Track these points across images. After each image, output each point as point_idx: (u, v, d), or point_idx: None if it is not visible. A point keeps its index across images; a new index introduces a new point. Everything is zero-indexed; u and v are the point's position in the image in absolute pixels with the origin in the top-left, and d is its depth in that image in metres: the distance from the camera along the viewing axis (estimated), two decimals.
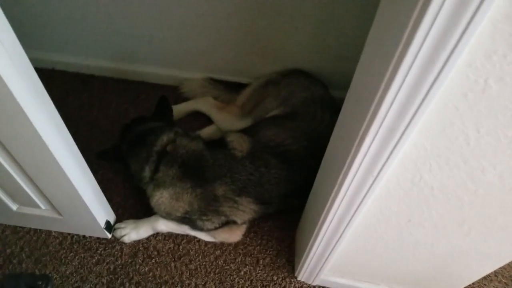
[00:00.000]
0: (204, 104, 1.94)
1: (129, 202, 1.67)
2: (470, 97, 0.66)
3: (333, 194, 0.97)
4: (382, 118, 0.71)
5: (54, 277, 1.46)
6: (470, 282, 1.24)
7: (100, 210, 1.45)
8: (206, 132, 1.85)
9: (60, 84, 2.04)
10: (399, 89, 0.65)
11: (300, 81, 1.79)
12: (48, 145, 1.05)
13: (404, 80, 0.63)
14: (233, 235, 1.53)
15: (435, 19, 0.54)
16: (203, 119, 1.93)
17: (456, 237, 1.00)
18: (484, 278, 1.54)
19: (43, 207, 1.42)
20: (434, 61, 0.60)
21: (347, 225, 1.03)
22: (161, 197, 1.43)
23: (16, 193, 1.36)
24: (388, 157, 0.79)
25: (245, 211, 1.44)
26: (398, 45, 0.61)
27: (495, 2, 0.52)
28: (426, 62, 0.60)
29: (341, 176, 0.90)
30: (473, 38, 0.57)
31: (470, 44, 0.58)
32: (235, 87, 1.95)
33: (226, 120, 1.84)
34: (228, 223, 1.47)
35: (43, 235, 1.56)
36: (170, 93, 1.96)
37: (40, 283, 1.22)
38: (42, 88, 1.00)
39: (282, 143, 1.50)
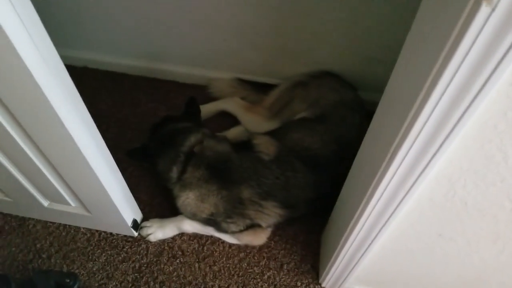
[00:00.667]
0: (232, 104, 1.95)
1: (156, 200, 1.70)
2: (509, 116, 0.64)
3: (362, 205, 0.96)
4: (419, 131, 0.69)
5: (81, 273, 1.50)
6: None
7: (127, 209, 1.48)
8: (233, 132, 1.86)
9: (92, 82, 2.09)
10: (438, 101, 0.63)
11: (330, 83, 1.77)
12: (79, 145, 1.07)
13: (444, 92, 0.61)
14: (257, 238, 1.54)
15: (478, 35, 0.53)
16: (231, 119, 1.94)
17: (489, 254, 0.98)
18: None
19: (73, 204, 1.46)
20: (476, 77, 0.58)
21: (375, 237, 1.01)
22: (187, 198, 1.45)
23: (47, 191, 1.39)
24: (422, 172, 0.77)
25: (270, 215, 1.44)
26: (440, 54, 0.58)
27: None
28: (468, 78, 0.58)
29: (371, 188, 0.89)
30: None
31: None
32: (263, 88, 1.95)
33: (253, 121, 1.84)
34: (253, 226, 1.48)
35: (72, 231, 1.60)
36: (199, 93, 1.98)
37: (68, 280, 1.27)
38: (74, 89, 1.02)
39: (310, 147, 1.50)
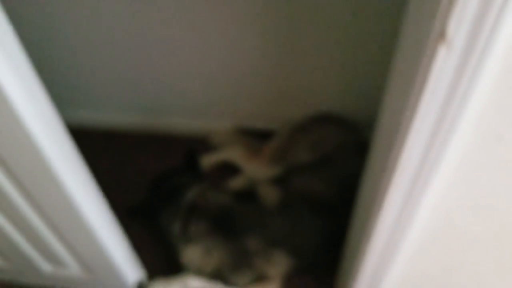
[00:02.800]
0: (233, 154, 1.98)
1: (159, 257, 1.69)
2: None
3: (364, 249, 0.96)
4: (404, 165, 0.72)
5: None
6: None
7: (131, 271, 1.48)
8: (236, 182, 1.88)
9: (90, 142, 2.13)
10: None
11: (331, 127, 1.81)
12: (82, 209, 1.11)
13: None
14: None
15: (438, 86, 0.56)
16: (233, 169, 1.97)
17: None
18: None
19: (74, 267, 1.46)
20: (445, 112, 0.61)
21: (383, 276, 1.00)
22: (192, 253, 1.45)
23: (48, 254, 1.40)
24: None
25: (278, 264, 1.43)
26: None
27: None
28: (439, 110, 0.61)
29: (371, 225, 0.90)
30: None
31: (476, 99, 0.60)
32: (264, 136, 1.99)
33: (255, 169, 1.87)
34: (261, 278, 1.46)
35: None
36: (198, 144, 2.02)
37: None
38: (75, 150, 1.07)
39: (314, 192, 1.51)
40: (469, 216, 0.80)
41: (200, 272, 1.48)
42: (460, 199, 0.77)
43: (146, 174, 2.00)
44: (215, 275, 1.47)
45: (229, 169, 1.98)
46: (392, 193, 0.78)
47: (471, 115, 0.62)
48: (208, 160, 1.98)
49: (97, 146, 2.15)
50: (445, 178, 0.73)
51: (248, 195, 1.55)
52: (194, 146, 1.73)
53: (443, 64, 0.54)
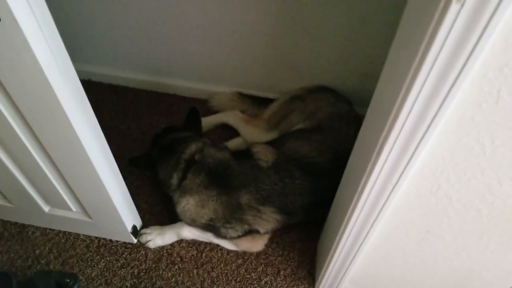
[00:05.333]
0: (232, 117, 2.03)
1: (156, 208, 1.75)
2: (485, 107, 0.71)
3: (353, 203, 1.02)
4: (401, 126, 0.77)
5: (80, 278, 1.53)
6: None
7: (128, 215, 1.53)
8: (233, 143, 1.93)
9: (96, 95, 2.17)
10: (416, 98, 0.71)
11: (327, 97, 1.85)
12: (86, 149, 1.14)
13: (421, 89, 0.69)
14: (255, 245, 1.59)
15: (448, 34, 0.60)
16: (230, 132, 2.02)
17: (475, 250, 1.03)
18: None
19: (74, 209, 1.51)
20: (449, 71, 0.65)
21: (367, 234, 1.07)
22: (187, 204, 1.50)
23: (49, 195, 1.45)
24: (407, 165, 0.84)
25: (268, 220, 1.50)
26: (414, 58, 0.67)
27: (503, 19, 0.58)
28: (442, 72, 0.66)
29: (361, 184, 0.96)
30: (485, 50, 0.62)
31: (483, 57, 0.64)
32: (263, 102, 2.03)
33: (252, 133, 1.91)
34: (251, 232, 1.53)
35: (71, 238, 1.65)
36: (200, 106, 2.06)
37: (68, 281, 1.31)
38: (84, 97, 1.10)
39: (307, 156, 1.56)
40: (454, 178, 0.86)
41: (194, 223, 1.54)
42: (447, 161, 0.83)
43: (148, 128, 2.05)
44: (208, 227, 1.53)
45: (227, 132, 2.03)
46: (386, 152, 0.83)
47: (476, 74, 0.66)
48: (208, 121, 2.01)
49: (102, 98, 2.18)
50: (439, 140, 0.78)
51: (244, 154, 1.59)
52: (196, 106, 1.77)
53: (454, 20, 0.58)
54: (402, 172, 0.86)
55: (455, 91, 0.67)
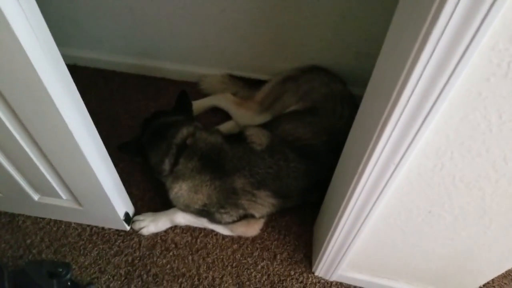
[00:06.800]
0: (223, 100, 1.98)
1: (148, 195, 1.71)
2: (492, 81, 0.68)
3: (352, 184, 0.99)
4: (404, 103, 0.73)
5: (73, 267, 1.50)
6: (490, 278, 1.23)
7: (119, 202, 1.49)
8: (225, 127, 1.89)
9: (83, 80, 2.10)
10: (421, 73, 0.67)
11: (320, 77, 1.81)
12: (74, 134, 1.09)
13: (426, 64, 0.65)
14: (250, 229, 1.56)
15: (458, 3, 0.56)
16: (222, 115, 1.97)
17: (476, 230, 1.01)
18: (505, 277, 1.53)
19: (64, 197, 1.47)
20: (456, 44, 0.61)
21: (367, 216, 1.04)
22: (180, 190, 1.46)
23: (38, 183, 1.40)
24: (410, 144, 0.80)
25: (263, 204, 1.47)
26: (420, 29, 0.62)
27: None
28: (449, 46, 0.62)
29: (361, 165, 0.92)
30: (496, 20, 0.58)
31: (493, 27, 0.60)
32: (254, 84, 1.98)
33: (244, 115, 1.87)
34: (246, 216, 1.50)
35: (62, 226, 1.61)
36: (190, 89, 2.01)
37: (61, 270, 1.27)
38: (71, 80, 1.05)
39: (301, 138, 1.53)
40: (457, 157, 0.83)
41: (187, 209, 1.50)
42: (451, 139, 0.80)
43: (136, 113, 2.00)
44: (202, 212, 1.49)
45: (218, 115, 1.98)
46: (389, 130, 0.80)
47: (485, 45, 0.62)
48: (198, 105, 1.96)
49: (89, 83, 2.12)
50: (444, 116, 0.75)
51: (237, 137, 1.55)
52: (186, 89, 1.71)
53: None
54: (405, 152, 0.83)
55: (463, 64, 0.64)
